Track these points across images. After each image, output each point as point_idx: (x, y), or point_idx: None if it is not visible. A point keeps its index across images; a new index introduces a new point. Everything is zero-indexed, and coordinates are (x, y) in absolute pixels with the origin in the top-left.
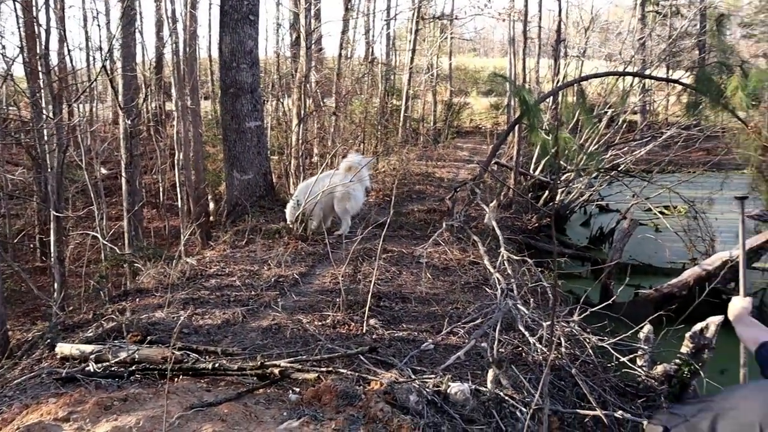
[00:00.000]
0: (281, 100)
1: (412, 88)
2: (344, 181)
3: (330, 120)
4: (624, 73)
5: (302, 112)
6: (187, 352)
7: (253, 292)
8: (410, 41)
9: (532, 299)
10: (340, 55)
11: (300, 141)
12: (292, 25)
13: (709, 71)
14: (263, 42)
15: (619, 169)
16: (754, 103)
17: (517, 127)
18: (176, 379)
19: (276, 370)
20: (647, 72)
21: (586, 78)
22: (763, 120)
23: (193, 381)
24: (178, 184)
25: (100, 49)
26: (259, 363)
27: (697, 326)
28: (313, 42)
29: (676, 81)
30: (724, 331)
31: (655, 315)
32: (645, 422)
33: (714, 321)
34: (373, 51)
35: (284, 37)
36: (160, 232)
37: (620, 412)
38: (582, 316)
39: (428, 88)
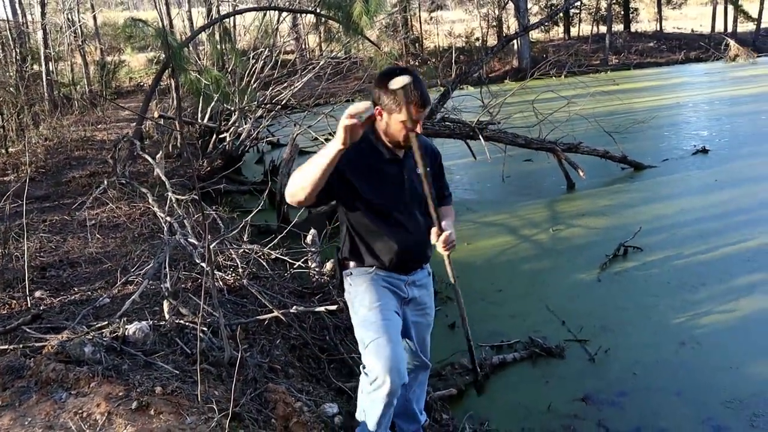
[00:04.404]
0: None
1: (52, 49)
2: None
3: None
4: (263, 8)
5: None
6: None
7: None
8: None
9: (210, 235)
10: None
11: None
12: None
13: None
14: None
15: (282, 104)
16: (385, 30)
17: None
18: None
19: None
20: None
21: (228, 15)
22: (390, 43)
23: None
24: None
25: None
26: None
27: None
28: None
29: (314, 12)
30: None
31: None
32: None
33: None
34: None
35: None
36: None
37: (294, 307)
38: (270, 243)
39: (75, 49)
